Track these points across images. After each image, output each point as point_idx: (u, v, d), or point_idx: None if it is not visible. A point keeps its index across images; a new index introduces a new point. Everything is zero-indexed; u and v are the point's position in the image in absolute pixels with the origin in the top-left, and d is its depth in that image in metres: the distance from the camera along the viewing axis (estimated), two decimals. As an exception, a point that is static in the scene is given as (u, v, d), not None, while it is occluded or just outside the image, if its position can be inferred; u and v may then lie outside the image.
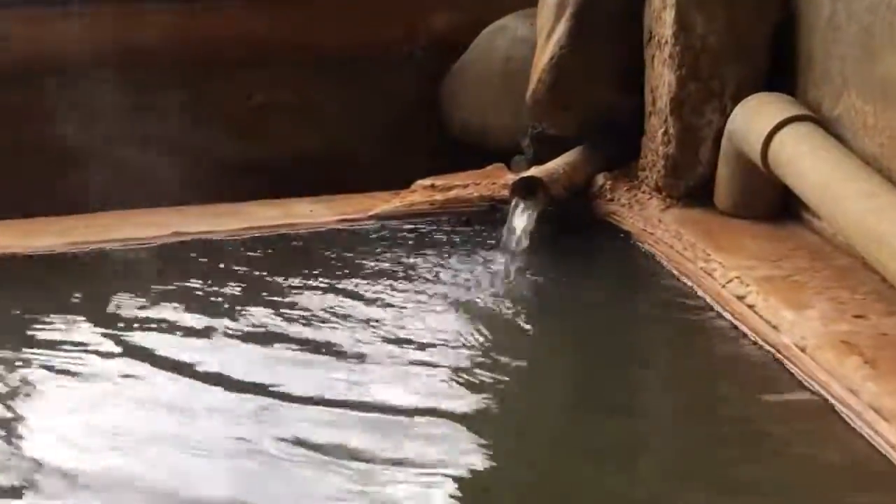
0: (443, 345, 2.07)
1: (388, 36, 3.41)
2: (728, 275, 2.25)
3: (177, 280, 2.41)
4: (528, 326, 2.22)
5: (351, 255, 2.56)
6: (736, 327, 2.13)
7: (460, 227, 2.74)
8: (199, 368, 2.01)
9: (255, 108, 3.35)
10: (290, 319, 2.21)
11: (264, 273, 2.46)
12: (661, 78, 2.64)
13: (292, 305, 2.28)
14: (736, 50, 2.55)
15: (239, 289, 2.38)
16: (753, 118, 2.45)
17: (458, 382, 1.98)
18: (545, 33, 2.86)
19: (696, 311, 2.23)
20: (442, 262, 2.53)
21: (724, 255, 2.32)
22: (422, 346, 2.06)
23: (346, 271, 2.47)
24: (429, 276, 2.44)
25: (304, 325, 2.18)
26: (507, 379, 2.00)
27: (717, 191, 2.61)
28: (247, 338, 2.14)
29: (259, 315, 2.24)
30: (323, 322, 2.17)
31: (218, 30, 3.27)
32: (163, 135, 3.24)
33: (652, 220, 2.62)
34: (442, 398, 1.88)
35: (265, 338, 2.15)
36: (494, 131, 3.26)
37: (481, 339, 2.13)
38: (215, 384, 1.97)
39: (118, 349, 2.09)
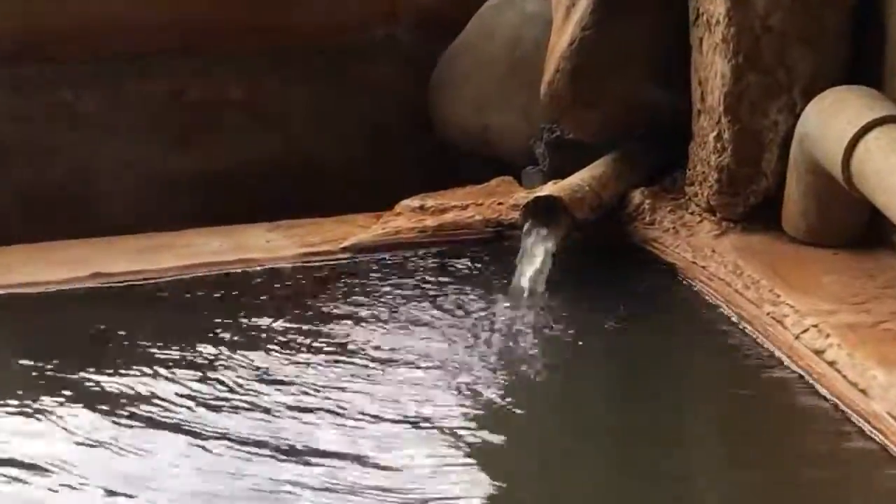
0: (432, 472, 1.93)
1: (362, 14, 3.43)
2: (802, 322, 2.25)
3: (87, 338, 2.39)
4: (545, 418, 2.17)
5: (314, 305, 2.55)
6: (814, 390, 2.14)
7: (457, 262, 2.74)
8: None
9: (189, 108, 3.36)
10: (221, 407, 2.13)
11: (204, 330, 2.45)
12: (712, 67, 2.64)
13: (234, 390, 2.19)
14: (807, 32, 2.56)
15: (168, 354, 2.35)
16: (831, 119, 2.45)
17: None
18: (563, 9, 2.88)
19: (762, 371, 2.24)
20: (434, 317, 2.51)
21: (796, 297, 2.32)
22: (392, 470, 1.92)
23: (308, 329, 2.44)
24: (414, 344, 2.39)
25: (242, 413, 2.08)
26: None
27: (786, 211, 2.62)
28: (172, 428, 2.06)
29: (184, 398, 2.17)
30: (269, 414, 2.10)
31: (143, 11, 3.28)
32: (73, 144, 3.26)
33: (703, 250, 2.62)
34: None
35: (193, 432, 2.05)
36: (500, 135, 3.26)
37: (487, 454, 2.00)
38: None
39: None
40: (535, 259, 2.59)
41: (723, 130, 2.62)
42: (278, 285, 2.63)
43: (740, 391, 2.24)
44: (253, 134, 3.37)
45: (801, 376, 2.19)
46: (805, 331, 2.23)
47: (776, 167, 2.61)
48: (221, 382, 2.23)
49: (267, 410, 2.12)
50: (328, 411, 2.11)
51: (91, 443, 2.03)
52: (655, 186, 2.83)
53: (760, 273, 2.45)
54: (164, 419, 2.09)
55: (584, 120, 2.90)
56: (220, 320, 2.47)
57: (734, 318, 2.42)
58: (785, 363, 2.23)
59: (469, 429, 2.07)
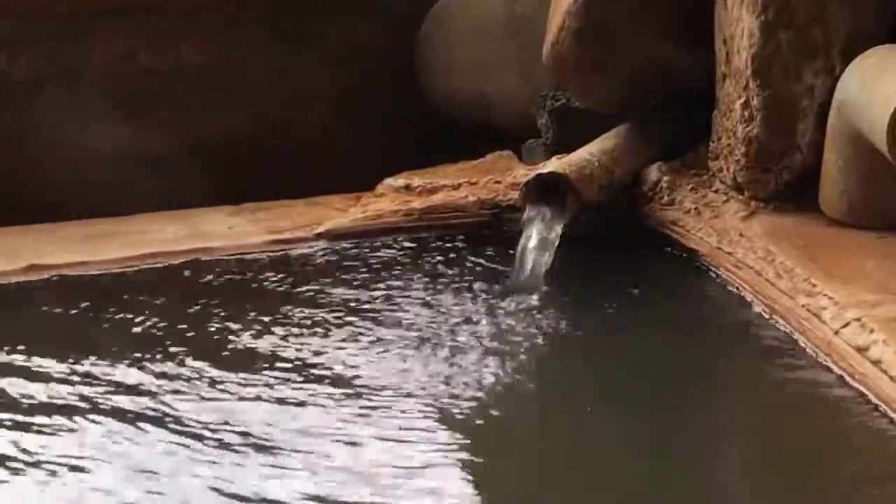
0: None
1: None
2: (843, 316, 2.23)
3: (21, 345, 2.29)
4: (554, 434, 2.10)
5: (283, 300, 2.48)
6: (857, 393, 2.12)
7: (449, 250, 2.70)
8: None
9: (140, 76, 3.32)
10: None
11: (156, 331, 2.37)
12: (739, 24, 2.62)
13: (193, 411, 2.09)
14: (847, -17, 2.56)
15: (112, 362, 2.26)
16: (874, 82, 2.43)
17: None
18: (568, -42, 2.87)
19: (795, 370, 2.23)
20: (421, 316, 2.43)
21: (836, 286, 2.31)
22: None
23: (272, 339, 2.35)
24: (399, 347, 2.31)
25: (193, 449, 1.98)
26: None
27: (824, 189, 2.59)
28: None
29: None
30: (221, 448, 2.01)
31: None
32: (6, 116, 3.21)
33: (730, 234, 2.60)
34: None
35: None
36: (497, 103, 3.28)
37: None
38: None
39: None
40: (537, 247, 2.56)
41: (751, 97, 2.61)
42: (241, 279, 2.59)
43: (773, 397, 2.22)
44: (213, 104, 3.35)
45: (842, 377, 2.16)
46: (846, 325, 2.21)
47: (812, 138, 2.60)
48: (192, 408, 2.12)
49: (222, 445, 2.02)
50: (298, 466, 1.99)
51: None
52: (675, 161, 2.81)
53: (795, 260, 2.43)
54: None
55: (592, 85, 2.89)
56: (164, 323, 2.40)
57: (765, 312, 2.40)
58: (823, 362, 2.22)
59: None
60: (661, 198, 2.75)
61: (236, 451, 1.98)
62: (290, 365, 2.25)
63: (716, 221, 2.64)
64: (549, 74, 2.91)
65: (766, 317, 2.38)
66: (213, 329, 2.39)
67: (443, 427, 2.06)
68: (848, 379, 2.15)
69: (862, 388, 2.12)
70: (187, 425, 2.06)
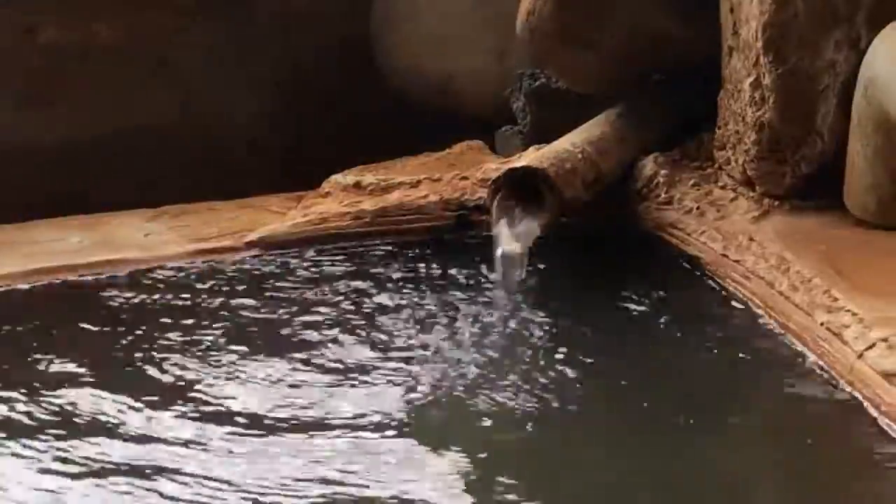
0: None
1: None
2: (867, 336, 2.24)
3: None
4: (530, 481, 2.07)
5: (201, 331, 2.46)
6: (880, 430, 2.12)
7: (405, 261, 2.71)
8: None
9: (43, 53, 3.33)
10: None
11: (50, 361, 2.36)
12: None
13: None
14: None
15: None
16: None
17: None
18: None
19: (808, 402, 2.24)
20: (369, 340, 2.43)
21: (861, 300, 2.32)
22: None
23: (193, 366, 2.34)
24: (339, 380, 2.29)
25: None
26: None
27: (849, 183, 2.60)
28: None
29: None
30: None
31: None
32: None
33: (738, 238, 2.61)
34: None
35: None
36: (466, 85, 3.32)
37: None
38: None
39: None
40: (508, 257, 2.55)
41: (762, 75, 2.62)
42: (154, 300, 2.58)
43: (786, 433, 2.20)
44: (131, 88, 3.37)
45: (865, 407, 2.16)
46: (871, 346, 2.22)
47: (835, 124, 2.62)
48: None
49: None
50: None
51: None
52: (674, 152, 2.84)
53: (813, 268, 2.43)
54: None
55: (575, 63, 2.92)
56: (53, 357, 2.37)
57: (777, 330, 2.42)
58: (846, 391, 2.22)
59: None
60: (657, 195, 2.78)
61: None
62: (202, 400, 2.25)
63: (722, 223, 2.66)
64: (526, 51, 2.95)
65: (779, 334, 2.40)
66: (120, 358, 2.38)
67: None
68: (871, 409, 2.15)
69: (888, 422, 2.11)
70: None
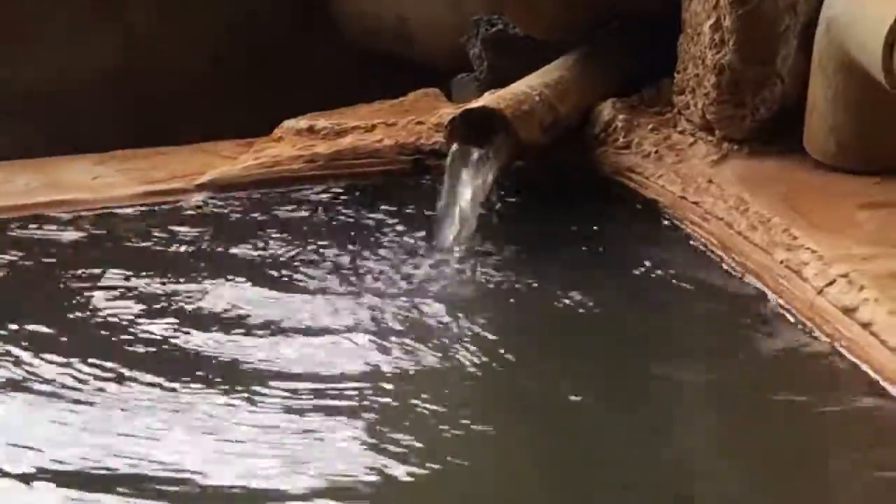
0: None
1: None
2: (827, 272, 2.25)
3: None
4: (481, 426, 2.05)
5: (147, 262, 2.46)
6: (847, 363, 2.12)
7: (359, 205, 2.71)
8: None
9: None
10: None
11: None
12: None
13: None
14: None
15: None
16: None
17: None
18: None
19: (769, 338, 2.24)
20: (319, 288, 2.41)
21: (820, 238, 2.33)
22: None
23: (139, 311, 2.31)
24: (291, 321, 2.28)
25: None
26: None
27: (809, 126, 2.60)
28: None
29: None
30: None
31: None
32: None
33: (696, 181, 2.61)
34: None
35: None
36: (421, 30, 3.30)
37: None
38: None
39: None
40: (463, 200, 2.56)
41: (722, 16, 2.61)
42: (103, 239, 2.58)
43: (743, 371, 2.19)
44: (77, 33, 3.33)
45: (827, 344, 2.18)
46: (831, 283, 2.22)
47: (795, 65, 2.61)
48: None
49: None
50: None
51: None
52: (632, 97, 2.83)
53: (772, 209, 2.43)
54: None
55: (531, 8, 2.90)
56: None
57: (735, 270, 2.42)
58: (806, 329, 2.22)
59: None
60: (615, 140, 2.77)
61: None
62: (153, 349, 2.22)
63: (680, 167, 2.66)
64: (483, -4, 2.94)
65: (737, 275, 2.40)
66: (59, 295, 2.37)
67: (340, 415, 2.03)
68: (830, 344, 2.16)
69: (848, 355, 2.13)
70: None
